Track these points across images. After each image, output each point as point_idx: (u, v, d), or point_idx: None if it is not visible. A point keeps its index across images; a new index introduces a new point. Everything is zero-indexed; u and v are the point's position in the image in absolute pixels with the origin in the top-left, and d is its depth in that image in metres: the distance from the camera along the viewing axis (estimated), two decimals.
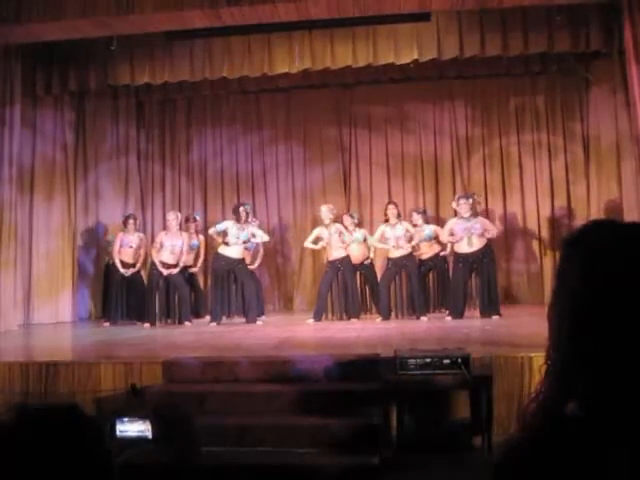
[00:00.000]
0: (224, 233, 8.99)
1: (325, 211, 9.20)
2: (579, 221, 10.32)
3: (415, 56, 8.86)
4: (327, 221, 9.15)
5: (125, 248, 9.53)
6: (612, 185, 9.99)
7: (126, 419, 4.02)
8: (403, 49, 8.88)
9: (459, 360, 4.71)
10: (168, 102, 11.63)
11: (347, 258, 9.05)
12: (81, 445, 1.02)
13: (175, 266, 9.09)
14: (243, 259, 9.05)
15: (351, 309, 8.92)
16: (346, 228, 9.30)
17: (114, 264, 9.52)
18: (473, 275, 8.72)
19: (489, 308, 8.47)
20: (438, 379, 4.74)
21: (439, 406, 5.12)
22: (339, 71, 9.63)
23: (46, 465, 0.99)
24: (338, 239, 9.04)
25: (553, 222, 10.74)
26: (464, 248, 8.57)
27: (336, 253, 9.01)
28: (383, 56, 8.95)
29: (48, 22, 7.85)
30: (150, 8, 7.66)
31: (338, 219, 9.45)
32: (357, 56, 8.97)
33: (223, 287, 9.05)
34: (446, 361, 4.73)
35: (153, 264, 9.15)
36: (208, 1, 7.58)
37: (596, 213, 10.11)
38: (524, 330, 7.16)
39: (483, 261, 8.51)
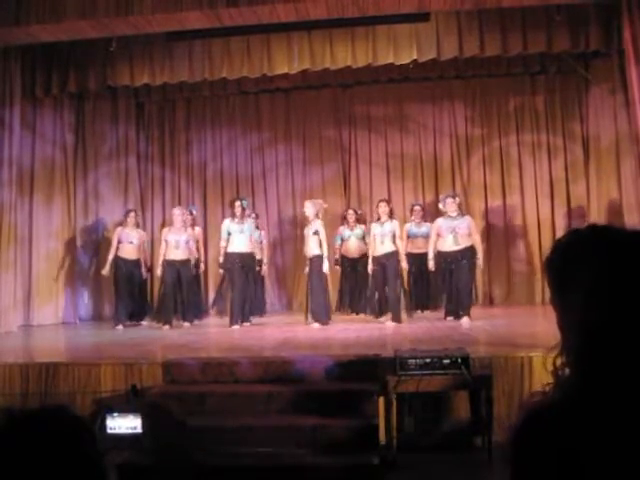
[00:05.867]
0: (228, 234, 8.68)
1: (308, 206, 8.73)
2: (578, 221, 10.33)
3: (414, 56, 8.87)
4: (311, 217, 8.68)
5: (125, 244, 9.26)
6: (612, 185, 9.98)
7: (116, 414, 3.96)
8: (402, 49, 8.88)
9: (459, 360, 4.71)
10: (167, 103, 11.64)
11: (315, 257, 8.59)
12: (70, 446, 1.01)
13: (187, 261, 9.01)
14: (252, 253, 8.82)
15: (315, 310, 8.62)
16: (348, 222, 9.33)
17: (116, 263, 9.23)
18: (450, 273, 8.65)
19: (454, 309, 8.39)
20: (438, 379, 4.74)
21: (439, 406, 5.12)
22: (338, 71, 9.65)
23: (35, 468, 0.98)
24: (313, 237, 8.59)
25: (553, 222, 10.74)
26: (448, 246, 8.45)
27: (310, 251, 8.64)
28: (382, 56, 8.95)
29: (47, 23, 7.85)
30: (149, 9, 7.66)
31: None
32: (356, 56, 8.97)
33: (241, 285, 8.61)
34: (446, 361, 4.73)
35: (163, 264, 8.99)
36: (207, 2, 7.58)
37: (596, 213, 10.12)
38: (524, 330, 7.17)
39: (462, 262, 8.39)
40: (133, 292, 9.41)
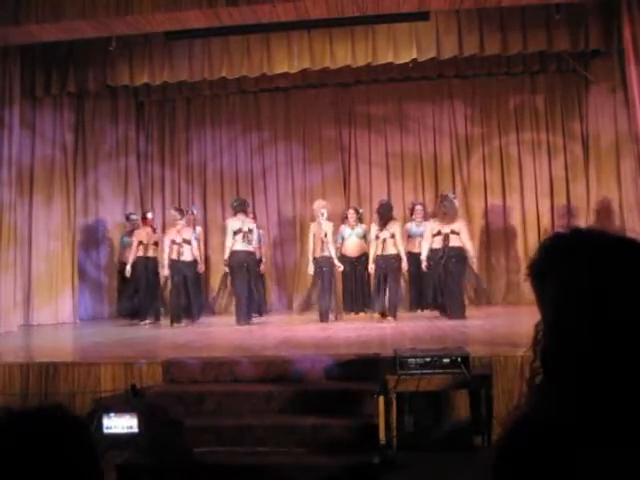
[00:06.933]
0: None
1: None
2: (579, 220, 10.33)
3: (414, 55, 8.87)
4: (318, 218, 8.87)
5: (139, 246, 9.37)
6: (611, 184, 9.99)
7: (113, 414, 3.95)
8: (402, 48, 8.88)
9: (459, 359, 4.71)
10: (167, 102, 11.64)
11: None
12: (67, 446, 1.01)
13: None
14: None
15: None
16: (348, 221, 9.37)
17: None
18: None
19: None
20: (438, 378, 4.74)
21: (439, 405, 5.11)
22: (338, 71, 9.65)
23: (32, 467, 0.98)
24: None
25: (552, 221, 10.73)
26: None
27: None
28: (382, 56, 8.95)
29: (47, 23, 7.86)
30: (149, 8, 7.67)
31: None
32: (356, 56, 8.98)
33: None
34: (446, 360, 4.72)
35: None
36: (207, 1, 7.58)
37: (595, 212, 10.12)
38: (523, 329, 7.16)
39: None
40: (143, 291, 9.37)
